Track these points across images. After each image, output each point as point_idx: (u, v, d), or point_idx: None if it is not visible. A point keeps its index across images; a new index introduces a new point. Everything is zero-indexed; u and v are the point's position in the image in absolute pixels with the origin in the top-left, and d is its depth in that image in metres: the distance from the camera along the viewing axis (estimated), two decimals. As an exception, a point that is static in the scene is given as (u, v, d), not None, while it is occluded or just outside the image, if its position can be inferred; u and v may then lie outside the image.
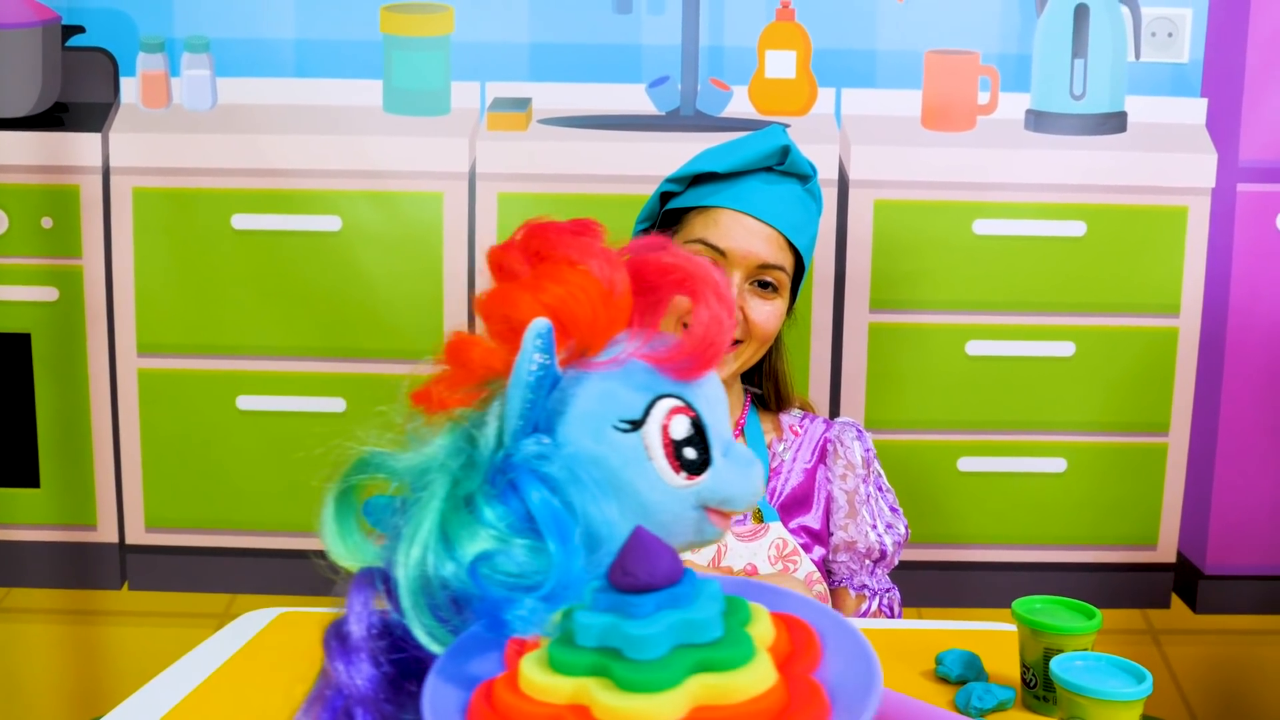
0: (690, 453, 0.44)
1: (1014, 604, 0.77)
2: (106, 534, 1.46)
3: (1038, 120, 1.38)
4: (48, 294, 1.41)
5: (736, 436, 1.07)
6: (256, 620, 0.93)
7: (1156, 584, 1.46)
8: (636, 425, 0.43)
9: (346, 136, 1.37)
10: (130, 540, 1.45)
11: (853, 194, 1.38)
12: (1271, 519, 1.45)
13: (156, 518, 1.45)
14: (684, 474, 0.44)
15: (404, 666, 0.42)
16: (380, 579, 0.42)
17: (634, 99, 1.38)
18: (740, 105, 1.38)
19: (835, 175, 1.38)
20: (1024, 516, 1.44)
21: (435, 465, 0.42)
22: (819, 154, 1.37)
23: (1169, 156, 1.38)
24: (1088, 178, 1.38)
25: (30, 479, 1.45)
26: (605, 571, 0.39)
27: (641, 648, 0.37)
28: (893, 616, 1.06)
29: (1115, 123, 1.38)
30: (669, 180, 1.04)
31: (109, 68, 1.39)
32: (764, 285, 1.01)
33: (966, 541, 1.44)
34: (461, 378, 0.44)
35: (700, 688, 0.37)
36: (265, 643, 0.88)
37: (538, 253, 0.46)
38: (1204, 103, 1.39)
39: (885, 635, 0.90)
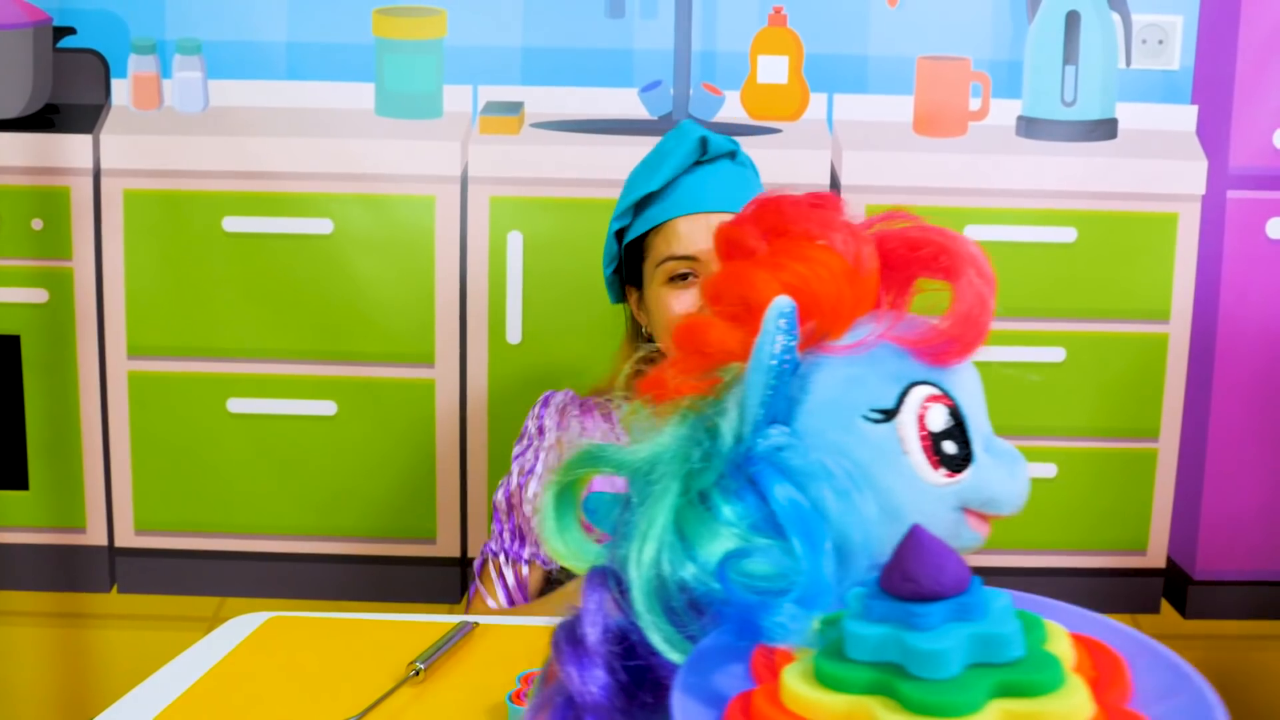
0: (950, 447, 0.40)
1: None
2: (96, 536, 1.45)
3: (1029, 127, 1.39)
4: (37, 296, 1.41)
5: None
6: (245, 624, 0.93)
7: (1146, 589, 1.46)
8: (889, 415, 0.39)
9: (338, 139, 1.37)
10: (119, 543, 1.45)
11: (845, 199, 1.38)
12: (1261, 524, 1.45)
13: (146, 520, 1.44)
14: (943, 470, 0.39)
15: (637, 675, 0.38)
16: (614, 579, 0.38)
17: (626, 103, 1.38)
18: (732, 110, 1.38)
19: (827, 181, 1.38)
20: (1014, 522, 1.42)
21: (667, 458, 0.38)
22: (811, 160, 1.38)
23: (1159, 163, 1.39)
24: (1078, 184, 1.38)
25: (19, 481, 1.44)
26: (876, 577, 0.35)
27: (933, 665, 0.32)
28: None
29: (1106, 129, 1.39)
30: (615, 219, 1.05)
31: (100, 69, 1.38)
32: None
33: (957, 546, 1.44)
34: (696, 363, 0.41)
35: (1004, 714, 0.32)
36: (254, 647, 0.87)
37: (774, 228, 0.43)
38: (1194, 110, 1.39)
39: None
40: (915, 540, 0.34)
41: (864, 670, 0.33)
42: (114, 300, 1.41)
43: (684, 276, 1.00)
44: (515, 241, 1.39)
